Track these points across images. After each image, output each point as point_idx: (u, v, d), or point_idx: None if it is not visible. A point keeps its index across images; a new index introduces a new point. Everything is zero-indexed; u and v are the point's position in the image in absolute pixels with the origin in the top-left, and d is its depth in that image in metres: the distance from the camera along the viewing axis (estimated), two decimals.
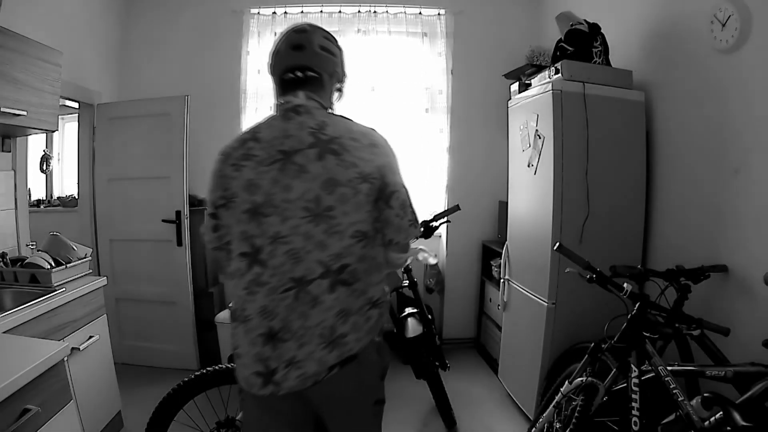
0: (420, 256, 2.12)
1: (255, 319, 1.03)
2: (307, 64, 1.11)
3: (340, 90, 1.22)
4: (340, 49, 1.19)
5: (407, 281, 2.42)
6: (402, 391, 2.60)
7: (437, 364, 2.39)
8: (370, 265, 1.07)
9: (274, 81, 1.17)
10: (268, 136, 1.10)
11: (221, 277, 1.36)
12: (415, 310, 2.31)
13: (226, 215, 1.09)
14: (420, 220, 1.22)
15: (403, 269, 2.16)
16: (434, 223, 2.25)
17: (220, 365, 1.63)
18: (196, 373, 1.57)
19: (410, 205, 1.12)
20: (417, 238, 1.21)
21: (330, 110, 1.16)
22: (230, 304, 1.13)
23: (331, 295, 1.02)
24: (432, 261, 2.19)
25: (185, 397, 1.54)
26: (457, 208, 2.46)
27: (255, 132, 1.14)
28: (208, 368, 1.60)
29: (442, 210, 2.38)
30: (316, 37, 1.13)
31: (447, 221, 2.36)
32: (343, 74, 1.21)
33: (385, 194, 1.07)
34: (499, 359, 2.78)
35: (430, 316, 2.40)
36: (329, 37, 1.16)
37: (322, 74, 1.13)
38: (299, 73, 1.11)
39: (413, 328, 2.23)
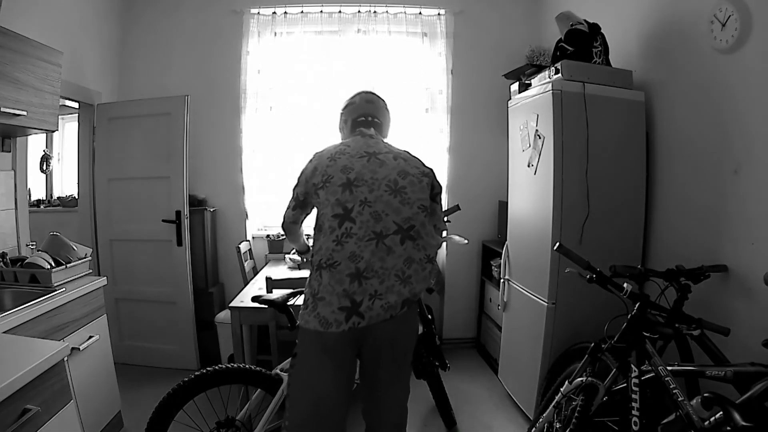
0: (455, 238, 2.39)
1: (343, 263, 1.32)
2: (375, 114, 1.62)
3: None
4: (389, 112, 1.69)
5: None
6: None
7: (437, 364, 2.39)
8: (429, 231, 1.43)
9: (348, 121, 1.63)
10: (355, 144, 1.51)
11: (290, 240, 1.75)
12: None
13: (323, 192, 1.43)
14: None
15: None
16: None
17: (220, 365, 1.62)
18: (196, 373, 1.57)
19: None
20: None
21: None
22: (309, 258, 1.52)
23: (402, 246, 1.35)
24: (464, 241, 2.40)
25: (185, 398, 1.54)
26: (457, 208, 2.48)
27: (345, 142, 1.55)
28: (208, 368, 1.60)
29: (443, 210, 2.37)
30: (377, 98, 1.67)
31: (447, 221, 2.37)
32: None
33: (434, 192, 1.49)
34: (499, 359, 2.78)
35: (430, 316, 2.40)
36: (386, 104, 1.69)
37: (383, 122, 1.64)
38: (369, 118, 1.61)
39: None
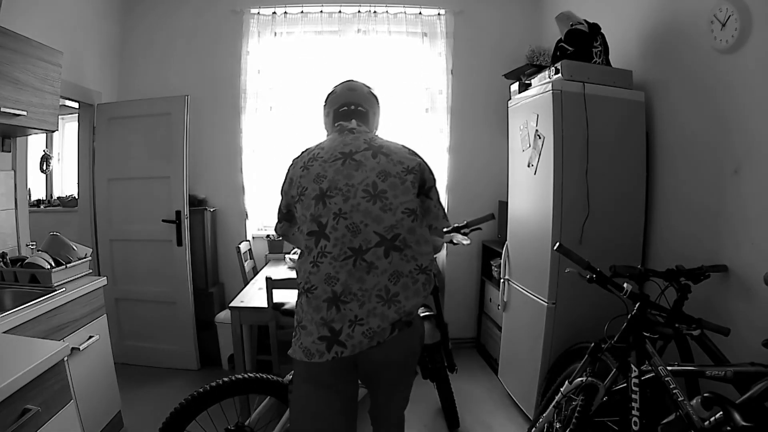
0: (455, 239, 2.22)
1: (319, 287, 1.20)
2: (359, 102, 1.47)
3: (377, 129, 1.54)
4: (377, 100, 1.55)
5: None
6: None
7: (446, 365, 2.37)
8: (419, 237, 1.27)
9: (330, 113, 1.51)
10: (329, 145, 1.37)
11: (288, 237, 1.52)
12: (431, 313, 2.27)
13: (300, 207, 1.31)
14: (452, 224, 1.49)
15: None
16: (465, 230, 2.17)
17: (234, 376, 1.56)
18: (211, 384, 1.50)
19: (441, 202, 1.40)
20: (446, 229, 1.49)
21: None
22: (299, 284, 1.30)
23: (386, 260, 1.21)
24: (465, 242, 2.24)
25: (197, 409, 1.47)
26: (491, 216, 2.32)
27: (319, 144, 1.42)
28: (223, 379, 1.53)
29: (475, 218, 2.28)
30: (360, 84, 1.53)
31: (479, 228, 2.27)
32: (379, 117, 1.55)
33: (425, 188, 1.34)
34: (499, 359, 2.78)
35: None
36: (371, 89, 1.55)
37: (368, 110, 1.48)
38: (352, 107, 1.46)
39: (431, 334, 2.19)
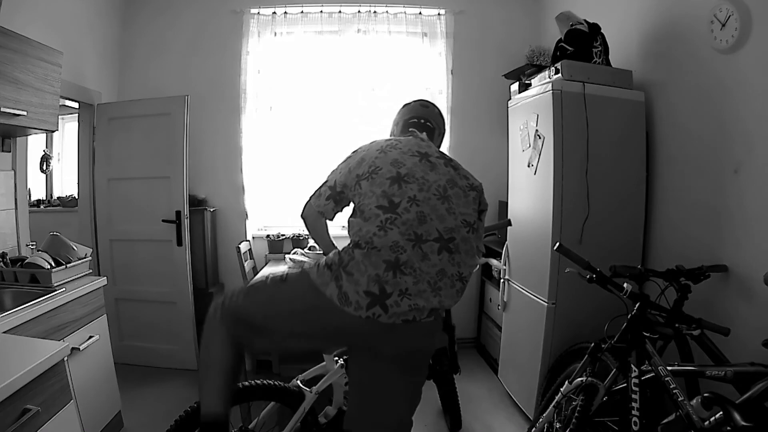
0: (494, 262, 2.30)
1: (383, 250, 1.20)
2: (430, 119, 1.57)
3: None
4: (444, 122, 1.64)
5: None
6: None
7: (450, 367, 2.36)
8: (469, 248, 1.31)
9: (400, 122, 1.60)
10: (406, 142, 1.42)
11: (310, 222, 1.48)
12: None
13: (366, 184, 1.32)
14: None
15: None
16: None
17: (245, 382, 1.53)
18: None
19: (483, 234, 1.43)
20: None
21: None
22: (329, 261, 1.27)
23: (438, 256, 1.23)
24: (498, 265, 2.20)
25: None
26: (508, 223, 2.29)
27: (395, 138, 1.47)
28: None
29: (493, 223, 2.23)
30: (432, 105, 1.63)
31: (495, 234, 2.24)
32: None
33: (480, 209, 1.38)
34: (499, 359, 2.78)
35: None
36: (441, 112, 1.64)
37: (435, 128, 1.57)
38: (422, 120, 1.56)
39: (438, 338, 2.19)
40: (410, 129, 1.52)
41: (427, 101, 1.64)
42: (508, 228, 2.60)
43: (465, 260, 1.29)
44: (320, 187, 1.42)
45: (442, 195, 1.29)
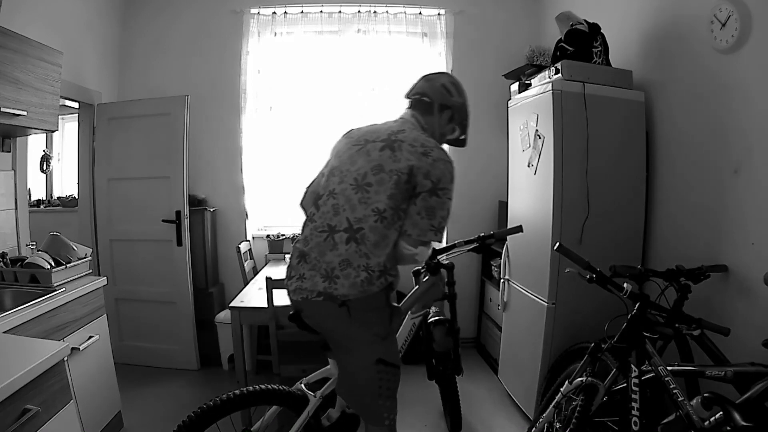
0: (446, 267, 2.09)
1: (300, 243, 1.42)
2: (426, 93, 1.50)
3: (457, 129, 1.54)
4: (461, 94, 1.52)
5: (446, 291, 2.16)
6: (407, 392, 2.60)
7: (452, 368, 2.34)
8: (379, 239, 1.32)
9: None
10: (370, 128, 1.48)
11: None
12: (444, 318, 2.22)
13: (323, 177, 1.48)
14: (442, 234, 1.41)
15: (446, 280, 2.08)
16: (490, 240, 2.06)
17: (245, 388, 1.51)
18: (222, 398, 1.45)
19: (440, 215, 1.35)
20: (430, 244, 1.42)
21: (426, 131, 1.46)
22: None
23: (345, 246, 1.32)
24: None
25: (207, 421, 1.42)
26: (520, 229, 2.17)
27: (369, 125, 1.52)
28: (234, 391, 1.49)
29: (503, 229, 2.20)
30: (445, 79, 1.53)
31: (504, 240, 2.18)
32: (461, 115, 1.53)
33: (415, 193, 1.33)
34: (499, 359, 2.78)
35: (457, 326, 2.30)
36: (456, 84, 1.53)
37: (434, 102, 1.48)
38: (417, 96, 1.51)
39: (443, 341, 2.14)
40: (407, 107, 1.53)
41: (434, 74, 1.57)
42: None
43: (374, 251, 1.31)
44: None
45: (359, 184, 1.34)
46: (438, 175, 1.33)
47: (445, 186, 1.34)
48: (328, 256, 1.32)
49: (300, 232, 1.46)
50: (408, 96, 1.55)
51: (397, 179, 1.31)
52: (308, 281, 1.35)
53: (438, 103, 1.49)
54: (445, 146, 1.53)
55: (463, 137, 1.58)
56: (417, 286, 1.89)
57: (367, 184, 1.33)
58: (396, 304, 1.54)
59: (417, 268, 2.05)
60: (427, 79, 1.54)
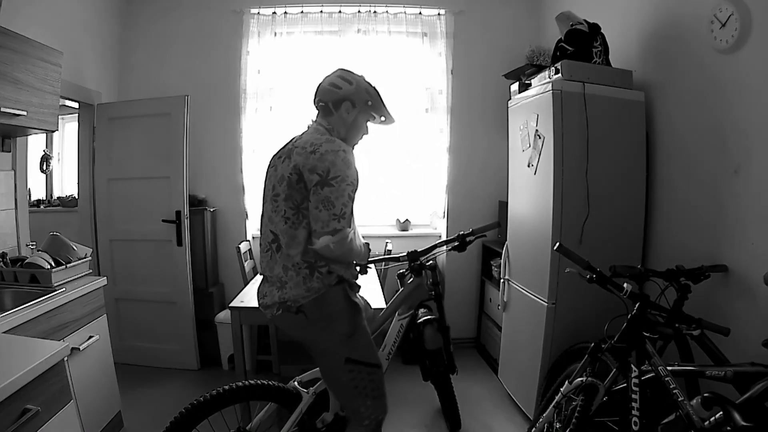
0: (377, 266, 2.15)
1: (260, 267, 1.56)
2: (319, 97, 1.52)
3: (368, 111, 1.52)
4: (350, 82, 1.49)
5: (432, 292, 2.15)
6: (407, 392, 2.61)
7: (446, 367, 2.35)
8: (290, 239, 1.42)
9: None
10: (291, 142, 1.52)
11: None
12: (433, 317, 2.23)
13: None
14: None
15: (429, 279, 2.08)
16: (470, 237, 2.06)
17: (238, 382, 1.53)
18: (212, 393, 1.47)
19: (341, 202, 1.34)
20: (335, 233, 1.35)
21: (331, 131, 1.49)
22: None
23: (277, 255, 1.45)
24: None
25: (198, 417, 1.44)
26: (497, 224, 2.29)
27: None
28: (224, 386, 1.50)
29: (481, 225, 2.16)
30: (332, 77, 1.52)
31: (483, 236, 2.20)
32: (360, 99, 1.49)
33: (307, 189, 1.37)
34: (499, 359, 2.78)
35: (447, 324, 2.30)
36: (343, 76, 1.51)
37: (327, 103, 1.50)
38: (318, 104, 1.53)
39: (433, 339, 2.14)
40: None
41: (326, 76, 1.53)
42: (508, 228, 2.60)
43: (288, 251, 1.42)
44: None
45: (270, 196, 1.45)
46: (326, 167, 1.33)
47: (337, 174, 1.33)
48: (275, 270, 1.45)
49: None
50: (315, 106, 1.55)
51: (288, 181, 1.39)
52: (268, 297, 1.47)
53: (331, 102, 1.49)
54: (379, 127, 1.60)
55: (383, 117, 1.56)
56: (402, 288, 1.94)
57: (276, 195, 1.43)
58: (357, 300, 1.53)
59: (401, 271, 2.10)
60: (320, 84, 1.53)
